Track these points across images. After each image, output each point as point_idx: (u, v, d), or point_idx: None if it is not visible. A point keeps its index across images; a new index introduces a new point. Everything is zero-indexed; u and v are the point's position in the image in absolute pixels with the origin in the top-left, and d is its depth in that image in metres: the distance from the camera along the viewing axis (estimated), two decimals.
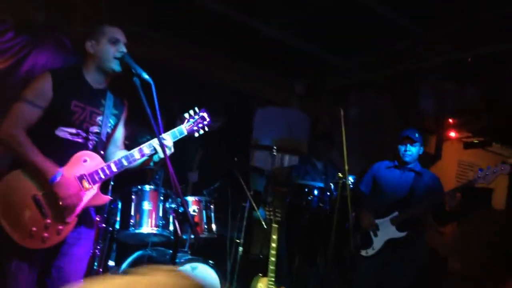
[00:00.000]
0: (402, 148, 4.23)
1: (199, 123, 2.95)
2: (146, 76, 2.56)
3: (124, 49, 2.72)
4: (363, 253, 4.16)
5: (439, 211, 4.09)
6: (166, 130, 2.84)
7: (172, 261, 2.40)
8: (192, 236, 4.16)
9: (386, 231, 4.06)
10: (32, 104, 2.55)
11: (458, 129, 7.75)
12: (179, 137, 2.86)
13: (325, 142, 5.98)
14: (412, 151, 4.21)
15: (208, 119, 2.98)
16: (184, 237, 4.14)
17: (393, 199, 4.14)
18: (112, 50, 2.69)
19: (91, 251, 2.81)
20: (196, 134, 2.96)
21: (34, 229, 2.40)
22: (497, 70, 5.41)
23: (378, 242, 4.08)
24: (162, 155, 2.66)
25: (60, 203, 2.48)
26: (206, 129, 2.98)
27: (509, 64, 5.13)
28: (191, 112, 2.96)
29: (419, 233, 4.17)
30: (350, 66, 6.15)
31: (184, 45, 5.80)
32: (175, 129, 2.87)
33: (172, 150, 2.81)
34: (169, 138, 2.81)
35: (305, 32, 5.29)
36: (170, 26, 5.34)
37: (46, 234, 2.44)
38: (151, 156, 2.85)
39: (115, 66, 2.70)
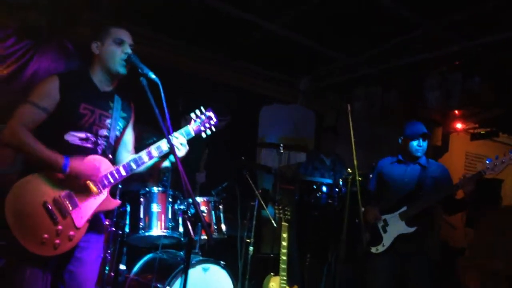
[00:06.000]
0: (415, 143, 4.09)
1: (206, 123, 2.91)
2: (153, 76, 2.51)
3: (129, 50, 2.68)
4: (373, 250, 4.04)
5: (449, 201, 3.99)
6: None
7: (186, 264, 2.36)
8: (204, 237, 4.13)
9: (395, 226, 3.95)
10: (36, 106, 2.51)
11: (465, 120, 7.70)
12: (186, 138, 2.81)
13: (330, 134, 5.97)
14: (424, 146, 4.12)
15: (215, 119, 2.94)
16: (195, 238, 4.10)
17: (401, 194, 4.05)
18: (117, 51, 2.66)
19: (102, 256, 2.77)
20: (204, 135, 2.92)
21: (45, 236, 2.37)
22: (503, 59, 5.36)
23: (388, 239, 3.97)
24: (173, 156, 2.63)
25: (83, 183, 2.49)
26: (213, 129, 2.93)
27: None
28: (197, 112, 2.91)
29: (430, 227, 4.10)
30: (355, 61, 6.11)
31: (187, 44, 5.77)
32: (182, 130, 2.82)
33: (187, 147, 2.77)
34: (181, 137, 2.77)
35: (308, 28, 5.25)
36: (173, 27, 5.31)
37: (57, 241, 2.41)
38: (162, 158, 2.82)
39: (120, 68, 2.66)
